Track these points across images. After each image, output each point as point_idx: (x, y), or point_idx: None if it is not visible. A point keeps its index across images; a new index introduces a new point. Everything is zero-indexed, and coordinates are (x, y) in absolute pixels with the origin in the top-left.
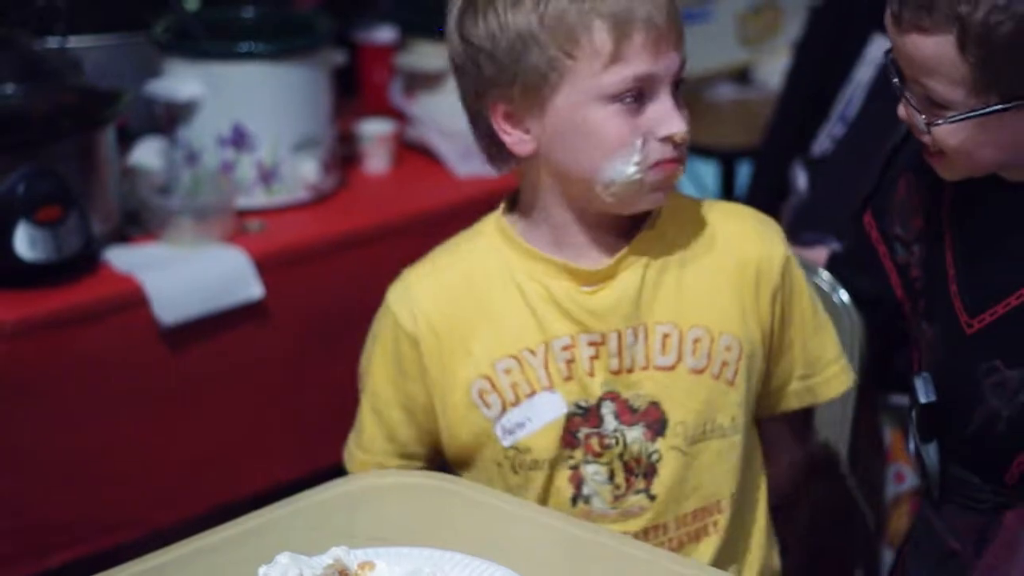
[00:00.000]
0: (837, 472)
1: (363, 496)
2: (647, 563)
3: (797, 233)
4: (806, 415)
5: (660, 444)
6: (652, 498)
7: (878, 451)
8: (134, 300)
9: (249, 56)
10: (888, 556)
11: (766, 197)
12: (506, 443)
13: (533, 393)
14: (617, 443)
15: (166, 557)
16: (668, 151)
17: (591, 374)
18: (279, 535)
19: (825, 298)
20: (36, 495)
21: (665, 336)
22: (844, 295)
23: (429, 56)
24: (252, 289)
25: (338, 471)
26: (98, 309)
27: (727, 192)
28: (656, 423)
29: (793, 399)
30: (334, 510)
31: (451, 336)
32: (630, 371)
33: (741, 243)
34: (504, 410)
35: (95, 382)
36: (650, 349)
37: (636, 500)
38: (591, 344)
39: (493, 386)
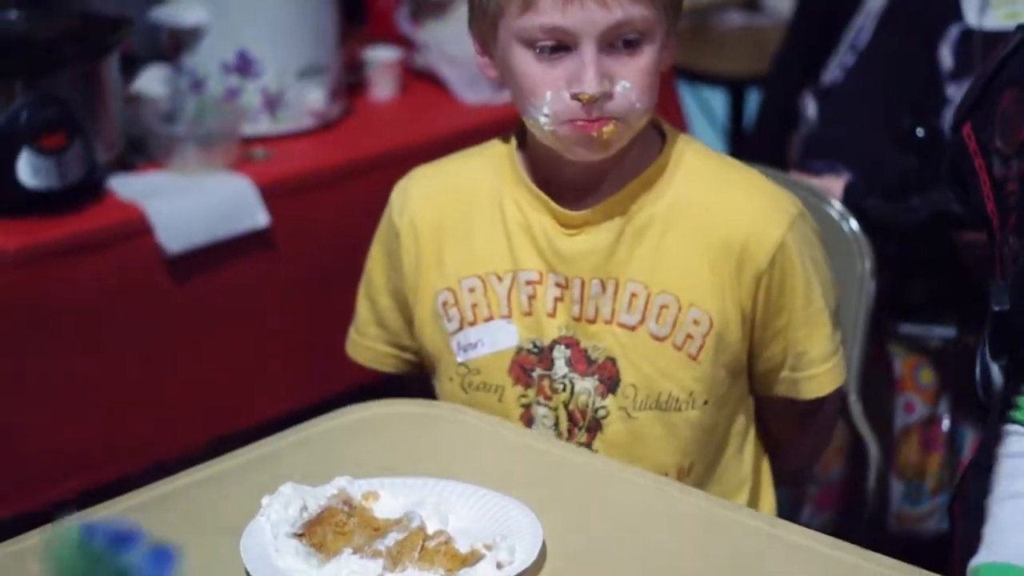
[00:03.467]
0: (846, 402)
1: (367, 425)
2: (654, 491)
3: (807, 162)
4: (820, 404)
5: (610, 401)
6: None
7: (887, 381)
8: (138, 228)
9: None
10: (897, 487)
11: (775, 125)
12: (459, 358)
13: (490, 319)
14: (564, 389)
15: (170, 487)
16: (576, 110)
17: (552, 315)
18: (282, 465)
19: (835, 227)
20: (41, 424)
21: (632, 295)
22: (855, 224)
23: None
24: (258, 217)
25: (344, 400)
26: (102, 237)
27: (736, 120)
28: (610, 380)
29: (781, 387)
30: (338, 440)
31: (429, 241)
32: (591, 321)
33: (735, 219)
34: (461, 327)
35: (100, 311)
36: (617, 304)
37: None
38: (557, 285)
39: (456, 301)
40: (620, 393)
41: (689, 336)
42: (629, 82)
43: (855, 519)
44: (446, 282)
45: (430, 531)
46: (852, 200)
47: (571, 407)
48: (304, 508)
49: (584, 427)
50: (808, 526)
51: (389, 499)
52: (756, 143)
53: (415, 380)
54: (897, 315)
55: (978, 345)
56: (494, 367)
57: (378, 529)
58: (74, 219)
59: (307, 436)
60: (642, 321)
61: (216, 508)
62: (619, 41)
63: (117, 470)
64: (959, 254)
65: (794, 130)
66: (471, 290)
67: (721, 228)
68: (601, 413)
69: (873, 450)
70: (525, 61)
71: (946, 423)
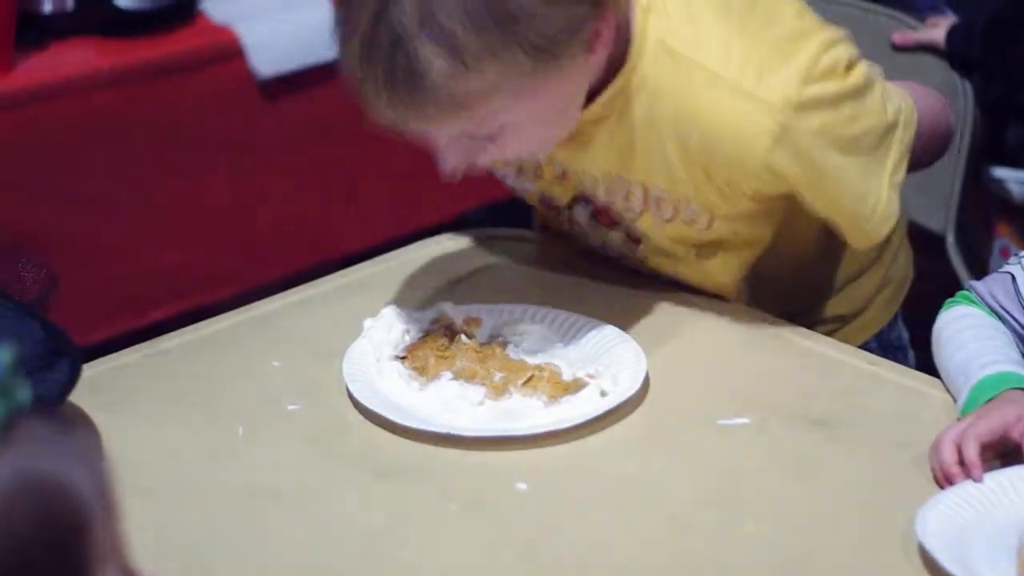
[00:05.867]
0: (943, 245)
1: (459, 254)
2: (754, 324)
3: (911, 1)
4: None
5: (642, 250)
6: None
7: (984, 226)
8: (231, 51)
9: None
10: None
11: None
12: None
13: (505, 176)
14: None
15: (266, 308)
16: None
17: (561, 178)
18: (381, 289)
19: (939, 69)
20: (136, 246)
21: (629, 192)
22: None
23: None
24: None
25: (434, 230)
26: (195, 59)
27: None
28: (635, 234)
29: None
30: (430, 267)
31: None
32: (597, 201)
33: (713, 142)
34: None
35: (191, 133)
36: (616, 193)
37: None
38: (558, 165)
39: None
40: (651, 243)
41: (694, 220)
42: (497, 150)
43: None
44: None
45: (532, 361)
46: (955, 45)
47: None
48: (407, 331)
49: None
50: None
51: (490, 324)
52: None
53: None
54: (995, 160)
55: None
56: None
57: (480, 353)
58: (167, 40)
59: (400, 263)
60: (645, 208)
61: (312, 330)
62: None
63: (210, 296)
64: None
65: None
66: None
67: (701, 149)
68: (640, 256)
69: None
70: None
71: None
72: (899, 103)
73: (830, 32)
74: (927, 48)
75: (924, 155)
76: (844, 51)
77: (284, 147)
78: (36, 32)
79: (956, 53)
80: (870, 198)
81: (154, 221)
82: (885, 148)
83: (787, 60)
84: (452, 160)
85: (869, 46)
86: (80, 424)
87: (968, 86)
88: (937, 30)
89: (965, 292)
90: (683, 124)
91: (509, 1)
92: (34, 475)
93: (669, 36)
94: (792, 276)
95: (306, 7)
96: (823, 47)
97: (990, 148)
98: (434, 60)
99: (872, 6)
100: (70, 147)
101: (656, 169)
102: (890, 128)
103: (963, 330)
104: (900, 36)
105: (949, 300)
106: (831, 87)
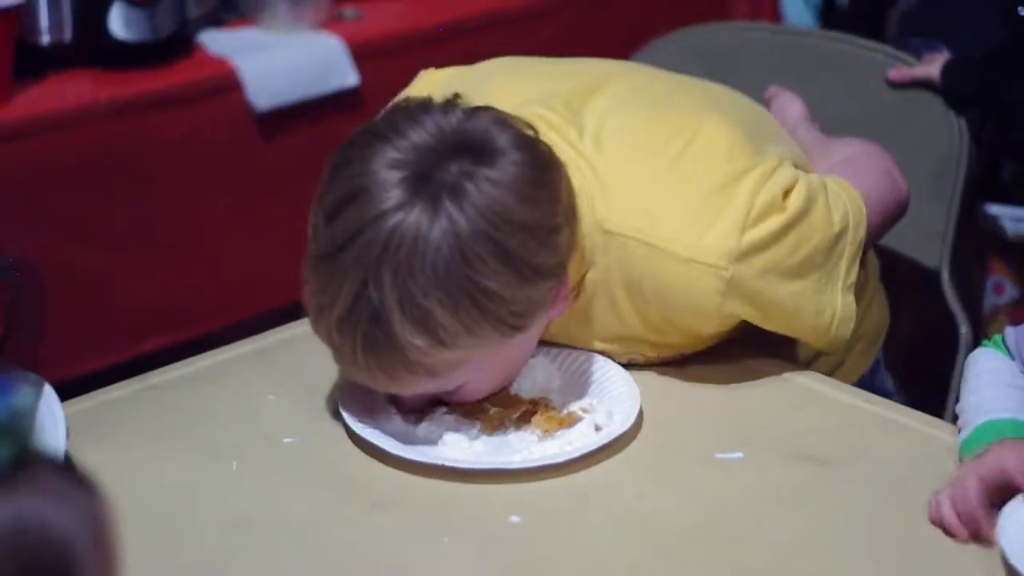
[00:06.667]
0: (937, 283)
1: None
2: (751, 366)
3: (904, 39)
4: None
5: None
6: None
7: (978, 262)
8: (228, 84)
9: None
10: None
11: (872, 4)
12: None
13: None
14: None
15: (266, 340)
16: None
17: None
18: None
19: (935, 104)
20: (128, 279)
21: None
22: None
23: None
24: (347, 77)
25: None
26: (192, 92)
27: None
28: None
29: None
30: None
31: None
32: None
33: (668, 308)
34: None
35: (187, 166)
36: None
37: None
38: None
39: None
40: None
41: (672, 354)
42: (455, 399)
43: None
44: None
45: (527, 395)
46: (950, 82)
47: None
48: None
49: None
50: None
51: None
52: (849, 18)
53: None
54: (989, 197)
55: None
56: None
57: None
58: (164, 73)
59: None
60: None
61: (308, 364)
62: None
63: (203, 328)
64: None
65: (892, 8)
66: None
67: (657, 313)
68: None
69: (964, 329)
70: None
71: None
72: (845, 206)
73: (765, 162)
74: (923, 84)
75: (879, 232)
76: (781, 179)
77: (281, 180)
78: (34, 63)
79: (951, 89)
80: (826, 313)
81: (150, 253)
82: (836, 257)
83: (722, 211)
84: (411, 407)
85: (865, 83)
86: (86, 478)
87: (963, 122)
88: (933, 67)
89: (998, 336)
90: (634, 294)
91: (484, 283)
92: (26, 524)
93: (599, 215)
94: None
95: (302, 42)
96: (758, 184)
97: (984, 184)
98: (413, 338)
99: (868, 43)
100: (67, 178)
101: (619, 333)
102: (839, 236)
103: (989, 372)
104: (896, 72)
105: (985, 339)
106: (771, 224)
